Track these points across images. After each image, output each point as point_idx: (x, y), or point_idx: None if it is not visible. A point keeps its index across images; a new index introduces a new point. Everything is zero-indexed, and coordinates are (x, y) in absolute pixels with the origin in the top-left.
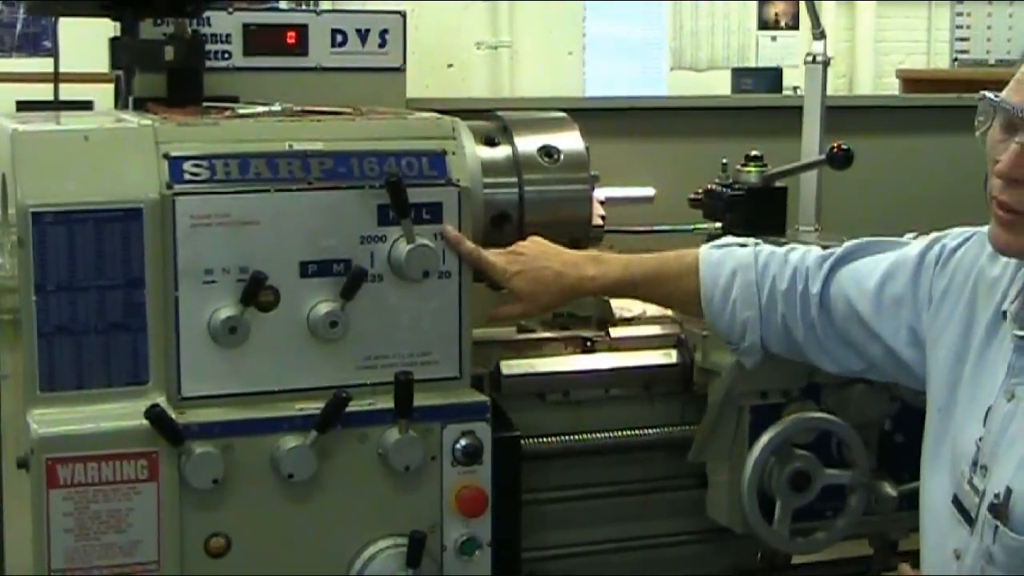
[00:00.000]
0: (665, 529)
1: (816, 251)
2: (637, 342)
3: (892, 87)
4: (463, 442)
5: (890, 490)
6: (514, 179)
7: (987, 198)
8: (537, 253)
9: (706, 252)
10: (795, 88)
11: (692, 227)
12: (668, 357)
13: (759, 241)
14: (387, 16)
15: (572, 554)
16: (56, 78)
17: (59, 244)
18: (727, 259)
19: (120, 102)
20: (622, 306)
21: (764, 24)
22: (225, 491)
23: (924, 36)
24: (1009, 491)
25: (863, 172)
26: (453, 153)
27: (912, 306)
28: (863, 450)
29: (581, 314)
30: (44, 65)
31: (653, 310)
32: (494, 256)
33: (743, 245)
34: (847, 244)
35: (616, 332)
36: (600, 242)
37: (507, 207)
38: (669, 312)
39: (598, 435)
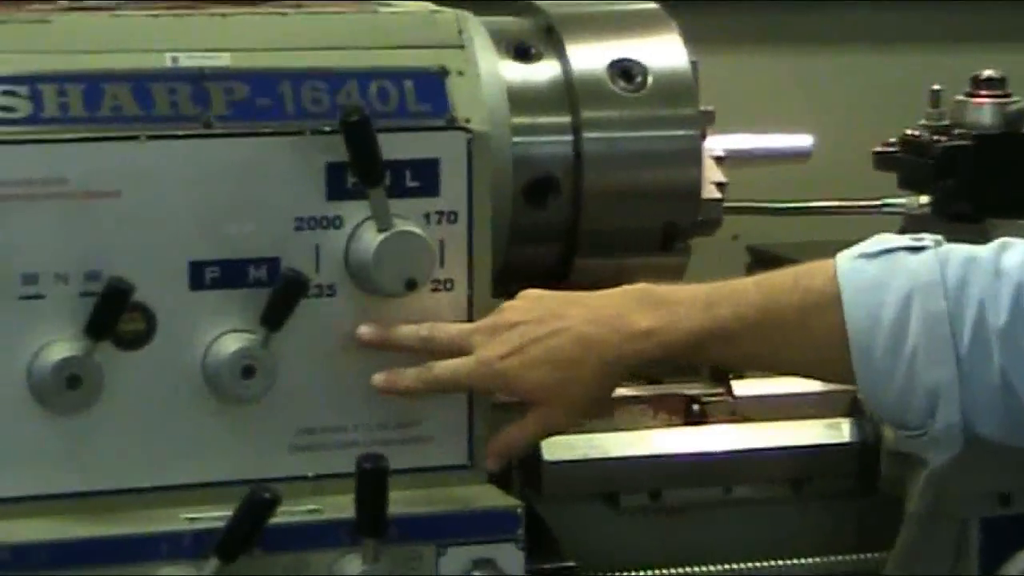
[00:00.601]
0: None
1: None
2: (780, 406)
3: None
4: None
5: None
6: (566, 118)
7: None
8: (538, 312)
9: (849, 266)
10: None
11: (880, 202)
12: (835, 433)
13: (940, 239)
14: None
15: None
16: None
17: None
18: (891, 276)
19: None
20: None
21: None
22: None
23: None
24: None
25: None
26: (460, 72)
27: None
28: None
29: None
30: None
31: None
32: (450, 328)
33: (915, 249)
34: None
35: (744, 387)
36: (716, 229)
37: (553, 167)
38: None
39: (712, 567)
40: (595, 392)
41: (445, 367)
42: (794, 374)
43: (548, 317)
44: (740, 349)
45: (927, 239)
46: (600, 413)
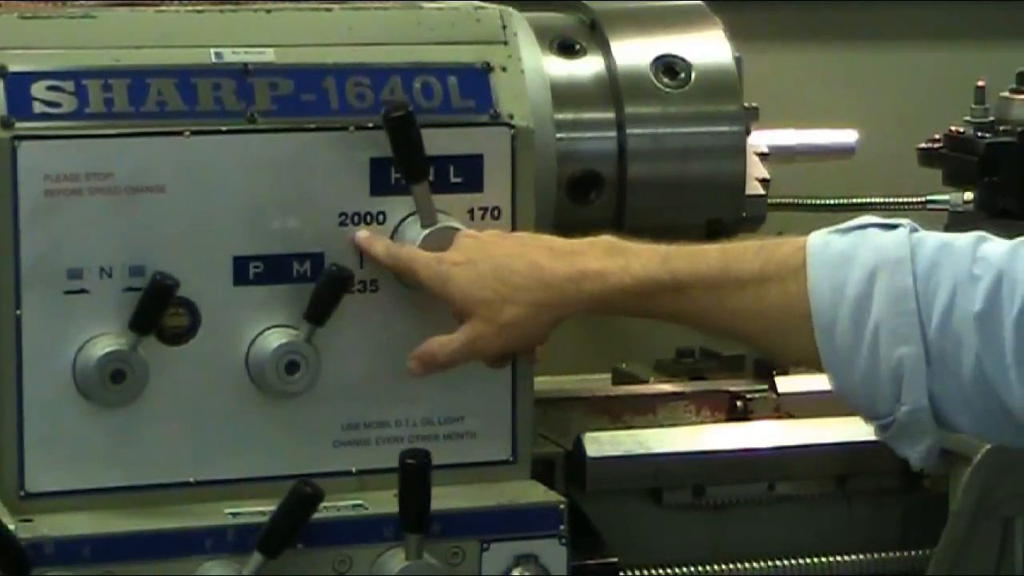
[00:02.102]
0: None
1: None
2: (824, 402)
3: None
4: (520, 574)
5: None
6: (610, 114)
7: None
8: (499, 239)
9: (819, 240)
10: None
11: (925, 199)
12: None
13: (916, 226)
14: None
15: None
16: None
17: None
18: (859, 249)
19: None
20: None
21: None
22: None
23: None
24: None
25: None
26: (504, 69)
27: None
28: None
29: (726, 353)
30: None
31: None
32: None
33: (888, 227)
34: None
35: (787, 383)
36: (760, 225)
37: (597, 163)
38: None
39: (755, 565)
40: (530, 321)
41: (410, 251)
42: (750, 343)
43: (512, 242)
44: (691, 303)
45: (904, 222)
46: (526, 348)
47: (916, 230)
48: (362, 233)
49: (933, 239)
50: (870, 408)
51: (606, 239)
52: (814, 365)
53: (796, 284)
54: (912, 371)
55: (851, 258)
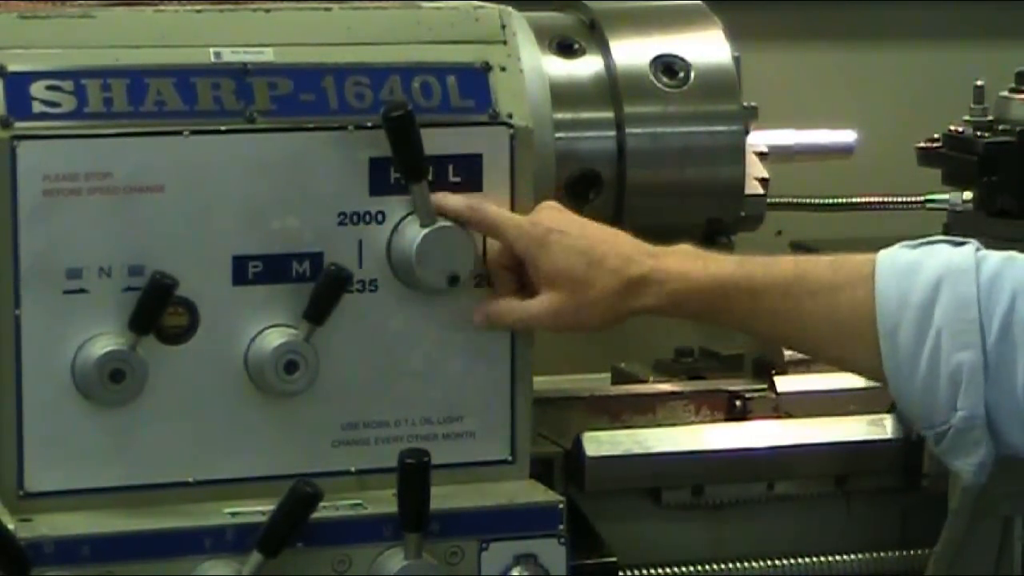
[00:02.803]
0: None
1: None
2: (823, 402)
3: None
4: (518, 574)
5: None
6: (609, 113)
7: None
8: (587, 220)
9: (889, 251)
10: None
11: (924, 198)
12: (879, 429)
13: (981, 246)
14: None
15: None
16: None
17: None
18: (927, 259)
19: None
20: None
21: None
22: None
23: None
24: None
25: None
26: (503, 68)
27: None
28: None
29: (725, 352)
30: None
31: None
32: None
33: (957, 243)
34: None
35: (786, 383)
36: (759, 224)
37: (596, 162)
38: None
39: (754, 564)
40: (609, 308)
41: (495, 208)
42: (818, 352)
43: (599, 227)
44: (764, 304)
45: (973, 241)
46: (599, 328)
47: (981, 249)
48: (439, 194)
49: (999, 254)
50: (927, 415)
51: (685, 246)
52: (878, 376)
53: (864, 290)
54: (970, 377)
55: (918, 267)
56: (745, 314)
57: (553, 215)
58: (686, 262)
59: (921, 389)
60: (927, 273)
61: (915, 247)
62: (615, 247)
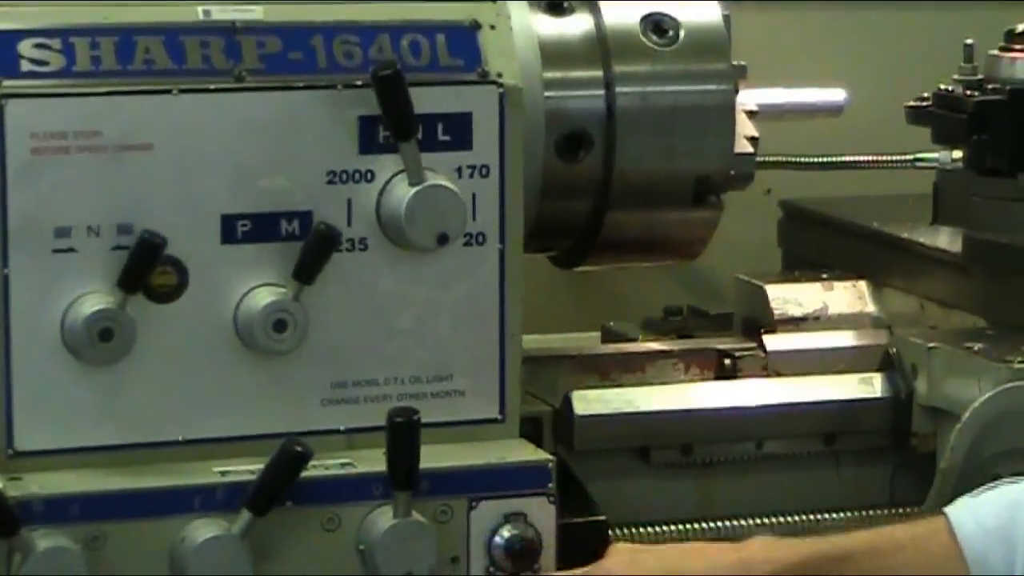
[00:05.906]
0: None
1: None
2: (812, 360)
3: None
4: (508, 532)
5: None
6: (598, 72)
7: None
8: (651, 550)
9: (958, 504)
10: None
11: (913, 157)
12: (868, 387)
13: None
14: None
15: None
16: None
17: None
18: (997, 497)
19: None
20: (785, 297)
21: None
22: None
23: None
24: None
25: None
26: (492, 27)
27: None
28: None
29: (714, 311)
30: None
31: (841, 305)
32: None
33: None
34: None
35: (776, 342)
36: (748, 183)
37: (586, 122)
38: (868, 307)
39: (742, 523)
40: None
41: None
42: None
43: (666, 550)
44: (855, 570)
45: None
46: None
47: None
48: None
49: None
50: None
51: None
52: None
53: (944, 525)
54: None
55: (984, 504)
56: None
57: (623, 561)
58: (767, 548)
59: None
60: (997, 505)
61: (977, 495)
62: (692, 556)
